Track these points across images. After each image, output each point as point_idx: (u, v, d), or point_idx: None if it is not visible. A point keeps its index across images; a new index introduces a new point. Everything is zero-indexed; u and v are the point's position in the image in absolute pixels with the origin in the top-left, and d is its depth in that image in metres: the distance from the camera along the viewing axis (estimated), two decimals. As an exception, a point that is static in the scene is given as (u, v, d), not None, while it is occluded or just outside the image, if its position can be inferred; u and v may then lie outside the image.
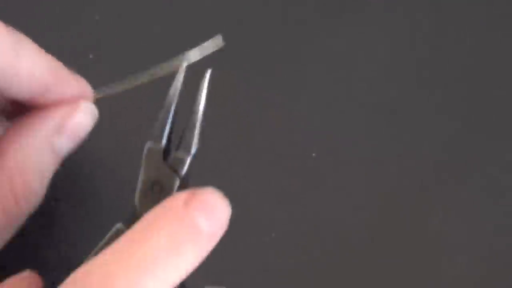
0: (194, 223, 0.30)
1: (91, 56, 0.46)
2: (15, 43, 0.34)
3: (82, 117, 0.36)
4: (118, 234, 0.32)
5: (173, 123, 0.34)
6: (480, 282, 0.43)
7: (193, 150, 0.34)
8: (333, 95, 0.47)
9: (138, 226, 0.30)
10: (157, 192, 0.33)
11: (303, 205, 0.44)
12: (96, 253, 0.31)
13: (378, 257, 0.43)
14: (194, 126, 0.34)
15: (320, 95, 0.47)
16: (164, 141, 0.34)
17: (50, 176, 0.36)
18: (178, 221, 0.30)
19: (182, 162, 0.33)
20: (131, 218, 0.32)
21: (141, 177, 0.33)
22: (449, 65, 0.48)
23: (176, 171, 0.33)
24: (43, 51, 0.35)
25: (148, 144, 0.34)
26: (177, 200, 0.30)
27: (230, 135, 0.45)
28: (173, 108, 0.34)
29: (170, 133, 0.34)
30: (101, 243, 0.33)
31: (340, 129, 0.46)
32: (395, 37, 0.48)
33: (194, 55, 0.36)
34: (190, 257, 0.30)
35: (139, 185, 0.33)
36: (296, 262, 0.43)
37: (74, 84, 0.37)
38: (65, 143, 0.35)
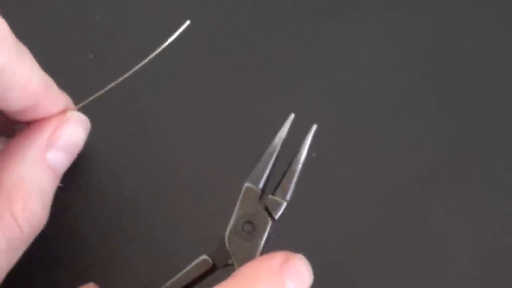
0: (285, 286, 0.33)
1: (91, 56, 0.46)
2: (18, 47, 0.34)
3: (73, 128, 0.35)
4: (203, 265, 0.35)
5: (272, 168, 0.36)
6: (480, 282, 0.43)
7: (289, 196, 0.36)
8: (334, 95, 0.47)
9: (239, 279, 0.33)
10: (248, 231, 0.35)
11: (304, 205, 0.44)
12: (179, 281, 0.35)
13: (378, 257, 0.44)
14: (293, 175, 0.36)
15: (320, 95, 0.47)
16: (262, 184, 0.36)
17: (51, 196, 0.35)
18: (273, 283, 0.33)
19: (278, 205, 0.36)
20: (217, 251, 0.35)
21: (235, 214, 0.35)
22: (450, 64, 0.48)
23: (270, 214, 0.36)
24: (37, 64, 0.35)
25: (247, 184, 0.35)
26: (274, 261, 0.33)
27: (230, 135, 0.45)
28: (275, 154, 0.36)
29: (268, 177, 0.36)
30: (184, 270, 0.35)
31: (341, 129, 0.46)
32: (395, 36, 0.48)
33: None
34: None
35: (232, 221, 0.35)
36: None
37: (62, 100, 0.36)
38: (60, 157, 0.34)
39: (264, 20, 0.48)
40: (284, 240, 0.43)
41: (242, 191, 0.35)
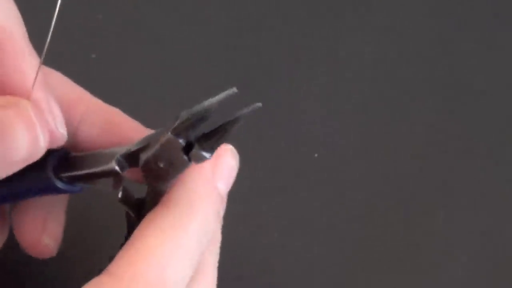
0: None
1: (93, 56, 0.46)
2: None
3: (230, 158, 0.35)
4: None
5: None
6: (480, 282, 0.43)
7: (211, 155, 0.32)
8: (336, 96, 0.47)
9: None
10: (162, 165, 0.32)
11: (305, 205, 0.44)
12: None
13: (378, 257, 0.44)
14: (225, 133, 0.33)
15: (322, 95, 0.47)
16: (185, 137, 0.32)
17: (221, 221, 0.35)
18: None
19: (201, 159, 0.32)
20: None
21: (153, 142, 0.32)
22: (452, 64, 0.48)
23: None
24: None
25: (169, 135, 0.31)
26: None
27: (231, 136, 0.45)
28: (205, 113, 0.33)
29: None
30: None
31: (342, 129, 0.46)
32: (397, 38, 0.49)
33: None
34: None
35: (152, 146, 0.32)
36: (298, 262, 0.43)
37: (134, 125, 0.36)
38: (224, 186, 0.34)
39: (265, 21, 0.49)
40: (284, 240, 0.43)
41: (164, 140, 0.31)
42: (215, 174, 0.33)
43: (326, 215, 0.44)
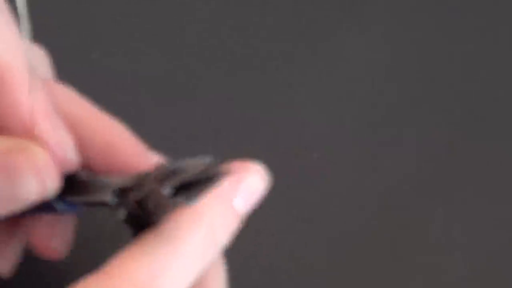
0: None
1: (93, 56, 0.46)
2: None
3: (254, 178, 0.34)
4: None
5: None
6: (480, 282, 0.43)
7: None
8: (335, 96, 0.47)
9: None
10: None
11: (305, 206, 0.44)
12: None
13: (379, 257, 0.44)
14: (210, 184, 0.31)
15: (322, 95, 0.47)
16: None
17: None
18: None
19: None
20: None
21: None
22: (450, 65, 0.48)
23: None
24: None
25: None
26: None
27: (231, 136, 0.46)
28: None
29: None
30: None
31: (342, 130, 0.46)
32: (396, 38, 0.49)
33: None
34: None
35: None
36: (298, 263, 0.43)
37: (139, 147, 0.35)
38: (242, 205, 0.33)
39: (265, 21, 0.49)
40: (283, 240, 0.43)
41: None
42: (233, 189, 0.32)
43: (326, 215, 0.44)
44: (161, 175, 0.31)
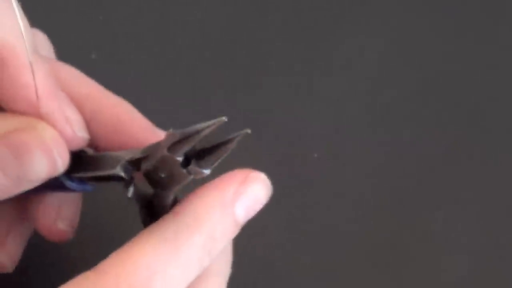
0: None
1: (93, 56, 0.46)
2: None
3: (258, 186, 0.33)
4: None
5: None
6: (480, 282, 0.43)
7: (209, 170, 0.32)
8: (335, 96, 0.47)
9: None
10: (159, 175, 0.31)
11: (305, 206, 0.44)
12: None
13: (379, 257, 0.44)
14: (222, 151, 0.32)
15: (322, 96, 0.47)
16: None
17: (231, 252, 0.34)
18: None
19: (200, 174, 0.31)
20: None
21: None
22: (450, 65, 0.48)
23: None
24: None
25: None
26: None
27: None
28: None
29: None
30: None
31: (342, 130, 0.46)
32: (396, 38, 0.49)
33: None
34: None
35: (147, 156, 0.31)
36: (298, 263, 0.43)
37: (147, 124, 0.35)
38: (243, 213, 0.33)
39: (265, 21, 0.49)
40: (283, 240, 0.43)
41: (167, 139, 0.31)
42: (235, 197, 0.32)
43: (326, 215, 0.44)
44: (172, 143, 0.30)
